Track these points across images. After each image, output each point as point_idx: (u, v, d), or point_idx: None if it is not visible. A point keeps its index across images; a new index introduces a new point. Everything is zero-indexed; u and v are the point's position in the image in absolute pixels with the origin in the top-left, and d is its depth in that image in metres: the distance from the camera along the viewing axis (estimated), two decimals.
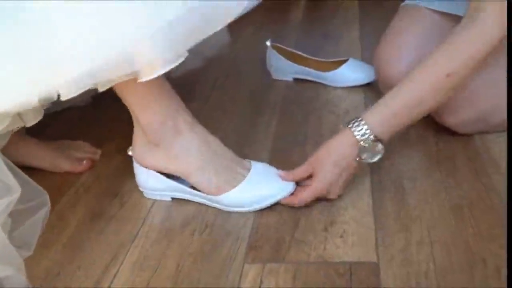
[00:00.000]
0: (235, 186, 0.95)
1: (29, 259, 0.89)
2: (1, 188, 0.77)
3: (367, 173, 1.04)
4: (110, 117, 1.28)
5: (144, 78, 0.81)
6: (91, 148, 1.15)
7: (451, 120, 1.09)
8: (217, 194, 0.96)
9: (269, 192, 0.96)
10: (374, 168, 1.05)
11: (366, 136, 0.94)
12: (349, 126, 0.95)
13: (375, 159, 0.96)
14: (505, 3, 0.91)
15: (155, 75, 0.81)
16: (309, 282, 0.81)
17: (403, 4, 1.26)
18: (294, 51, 1.43)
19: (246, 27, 1.76)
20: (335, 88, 1.37)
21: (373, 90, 1.31)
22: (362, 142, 0.94)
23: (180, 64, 0.82)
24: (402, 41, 1.20)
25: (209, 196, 0.97)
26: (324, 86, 1.38)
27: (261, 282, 0.82)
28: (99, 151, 1.16)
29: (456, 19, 1.17)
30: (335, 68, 1.37)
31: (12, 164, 0.81)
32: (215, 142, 0.98)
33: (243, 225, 0.94)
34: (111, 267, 0.87)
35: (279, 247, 0.88)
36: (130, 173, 1.09)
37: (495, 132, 1.10)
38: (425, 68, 0.97)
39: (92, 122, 1.31)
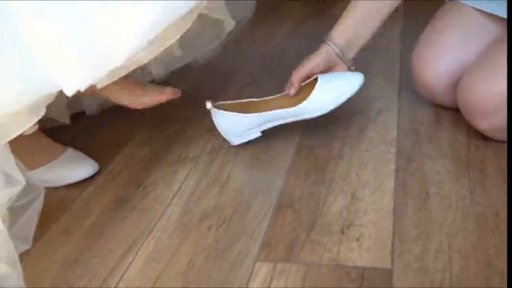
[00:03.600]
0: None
1: (49, 244, 0.92)
2: (6, 179, 0.79)
3: (392, 175, 1.01)
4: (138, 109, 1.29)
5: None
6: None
7: (483, 124, 1.05)
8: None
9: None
10: (399, 170, 1.02)
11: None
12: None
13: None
14: None
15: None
16: (319, 284, 0.80)
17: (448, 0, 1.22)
18: (243, 101, 1.12)
19: (284, 24, 1.75)
20: (368, 86, 1.33)
21: (409, 89, 1.28)
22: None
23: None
24: (441, 40, 1.17)
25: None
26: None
27: (271, 281, 0.82)
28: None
29: (499, 20, 1.13)
30: (305, 97, 1.08)
31: (16, 160, 0.83)
32: None
33: (260, 222, 0.93)
34: (126, 257, 0.89)
35: (292, 246, 0.88)
36: (156, 164, 1.10)
37: None
38: None
39: (120, 113, 1.33)
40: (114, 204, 1.01)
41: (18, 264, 0.80)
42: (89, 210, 1.00)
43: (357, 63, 1.42)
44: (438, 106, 1.21)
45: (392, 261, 0.83)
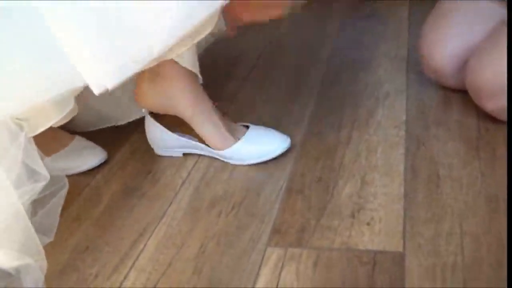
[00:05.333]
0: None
1: (60, 233, 0.92)
2: (30, 174, 0.79)
3: (401, 158, 1.01)
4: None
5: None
6: None
7: (491, 105, 1.04)
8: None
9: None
10: (408, 153, 1.02)
11: None
12: None
13: None
14: None
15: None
16: (330, 269, 0.80)
17: None
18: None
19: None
20: (376, 69, 1.33)
21: (417, 72, 1.27)
22: None
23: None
24: (448, 23, 1.16)
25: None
26: (365, 68, 1.34)
27: (282, 266, 0.82)
28: None
29: (505, 3, 1.11)
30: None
31: (40, 153, 0.83)
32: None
33: (270, 208, 0.93)
34: (137, 244, 0.89)
35: (303, 231, 0.87)
36: None
37: None
38: None
39: None
40: (124, 192, 1.01)
41: (43, 256, 0.80)
42: (99, 198, 1.01)
43: (364, 47, 1.42)
44: (446, 89, 1.20)
45: (403, 244, 0.83)
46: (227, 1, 0.77)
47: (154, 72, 1.01)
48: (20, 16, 0.74)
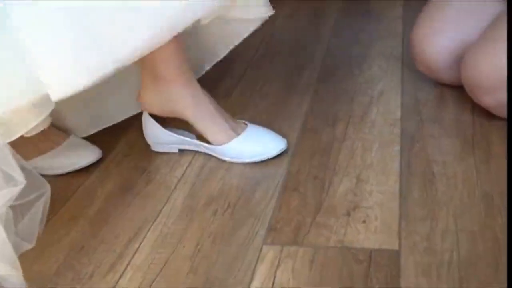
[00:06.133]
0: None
1: (55, 232, 0.92)
2: (6, 179, 0.77)
3: (396, 156, 1.01)
4: None
5: None
6: None
7: (489, 100, 1.04)
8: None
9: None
10: (403, 151, 1.02)
11: None
12: None
13: None
14: None
15: None
16: (326, 267, 0.80)
17: None
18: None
19: (285, 5, 1.73)
20: (370, 67, 1.33)
21: (412, 69, 1.27)
22: None
23: None
24: (440, 16, 1.16)
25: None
26: (359, 66, 1.34)
27: (278, 264, 0.82)
28: None
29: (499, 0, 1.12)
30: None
31: (18, 156, 0.81)
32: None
33: (266, 206, 0.93)
34: (133, 243, 0.88)
35: (299, 229, 0.87)
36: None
37: None
38: None
39: None
40: (119, 191, 1.01)
41: (18, 264, 0.78)
42: (94, 197, 1.00)
43: (359, 45, 1.42)
44: (441, 86, 1.20)
45: (399, 242, 0.83)
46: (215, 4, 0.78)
47: (153, 76, 1.02)
48: None
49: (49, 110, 0.86)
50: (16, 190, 0.78)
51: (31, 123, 0.85)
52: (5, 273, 0.76)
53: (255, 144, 1.03)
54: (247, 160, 1.03)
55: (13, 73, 0.75)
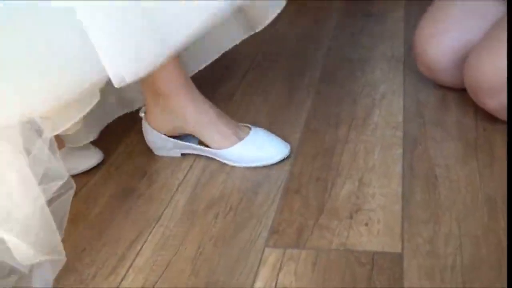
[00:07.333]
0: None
1: None
2: (52, 172, 0.79)
3: (399, 159, 1.01)
4: None
5: None
6: None
7: (492, 103, 1.04)
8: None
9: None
10: (406, 154, 1.02)
11: None
12: None
13: None
14: None
15: None
16: (329, 269, 0.80)
17: None
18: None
19: (287, 7, 1.73)
20: (372, 69, 1.32)
21: (414, 71, 1.27)
22: None
23: None
24: (443, 17, 1.16)
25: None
26: (361, 67, 1.34)
27: (281, 267, 0.81)
28: None
29: (501, 1, 1.11)
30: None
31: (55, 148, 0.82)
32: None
33: (268, 208, 0.93)
34: (135, 246, 0.88)
35: (301, 232, 0.87)
36: None
37: None
38: None
39: None
40: (120, 194, 1.01)
41: (63, 252, 0.81)
42: (95, 199, 1.00)
43: (361, 47, 1.41)
44: (443, 89, 1.20)
45: (402, 245, 0.83)
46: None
47: (155, 92, 1.03)
48: (50, 15, 0.74)
49: (91, 106, 0.87)
50: (58, 184, 0.80)
51: (74, 118, 0.86)
52: (44, 263, 0.79)
53: (257, 149, 1.03)
54: (249, 165, 1.03)
55: (66, 68, 0.76)
